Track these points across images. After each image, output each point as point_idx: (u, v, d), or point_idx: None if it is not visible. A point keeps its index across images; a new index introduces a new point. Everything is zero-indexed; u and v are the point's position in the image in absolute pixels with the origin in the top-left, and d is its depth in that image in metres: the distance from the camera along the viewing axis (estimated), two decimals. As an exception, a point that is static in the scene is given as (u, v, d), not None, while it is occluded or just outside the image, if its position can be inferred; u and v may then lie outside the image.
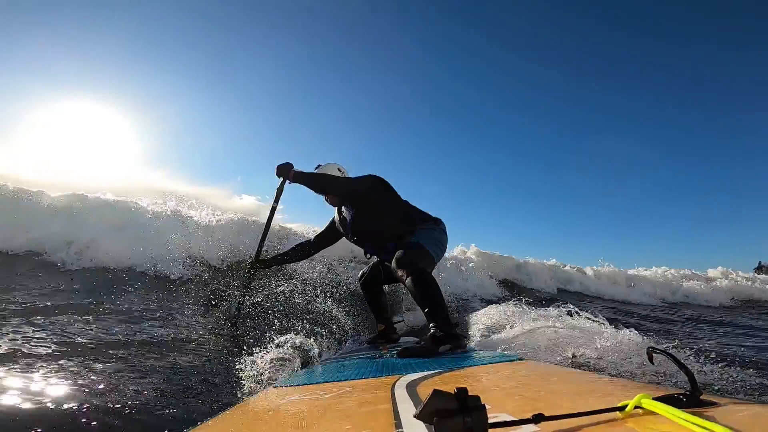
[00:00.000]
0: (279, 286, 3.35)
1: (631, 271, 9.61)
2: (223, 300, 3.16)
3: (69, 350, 2.03)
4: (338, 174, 2.38)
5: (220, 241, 4.67)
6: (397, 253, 2.03)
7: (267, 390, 1.18)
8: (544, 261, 8.58)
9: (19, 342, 2.08)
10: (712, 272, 10.70)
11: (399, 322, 3.05)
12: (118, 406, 1.48)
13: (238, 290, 2.33)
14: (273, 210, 2.28)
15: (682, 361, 0.57)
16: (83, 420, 1.39)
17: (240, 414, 0.88)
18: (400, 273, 1.94)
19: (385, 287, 2.64)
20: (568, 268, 8.72)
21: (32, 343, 2.23)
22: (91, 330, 2.39)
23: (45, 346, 2.11)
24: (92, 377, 1.74)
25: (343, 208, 2.36)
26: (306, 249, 2.55)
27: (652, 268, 10.15)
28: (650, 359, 0.66)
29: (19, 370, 1.80)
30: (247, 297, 2.43)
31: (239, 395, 1.72)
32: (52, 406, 1.43)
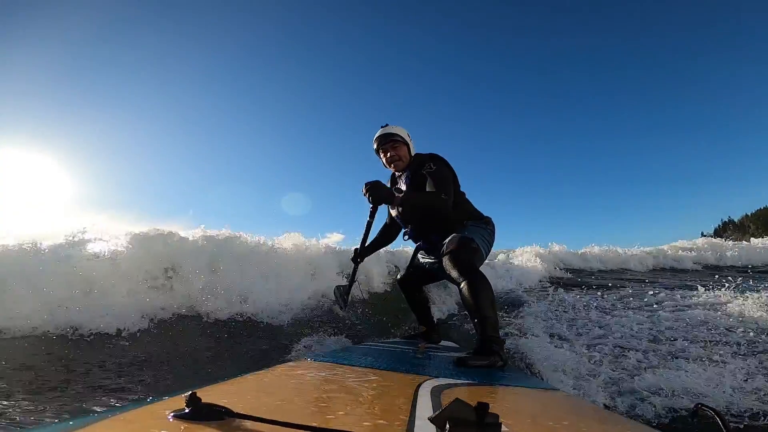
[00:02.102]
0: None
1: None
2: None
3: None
4: (408, 139, 2.19)
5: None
6: (451, 245, 1.87)
7: (301, 360, 1.24)
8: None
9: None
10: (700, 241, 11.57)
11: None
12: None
13: (344, 281, 2.45)
14: (369, 225, 2.17)
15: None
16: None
17: (269, 376, 0.94)
18: (454, 273, 1.77)
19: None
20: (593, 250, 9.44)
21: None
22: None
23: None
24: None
25: (401, 180, 2.21)
26: (390, 229, 2.53)
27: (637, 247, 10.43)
28: (693, 416, 0.61)
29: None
30: (354, 286, 2.54)
31: (280, 359, 1.88)
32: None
